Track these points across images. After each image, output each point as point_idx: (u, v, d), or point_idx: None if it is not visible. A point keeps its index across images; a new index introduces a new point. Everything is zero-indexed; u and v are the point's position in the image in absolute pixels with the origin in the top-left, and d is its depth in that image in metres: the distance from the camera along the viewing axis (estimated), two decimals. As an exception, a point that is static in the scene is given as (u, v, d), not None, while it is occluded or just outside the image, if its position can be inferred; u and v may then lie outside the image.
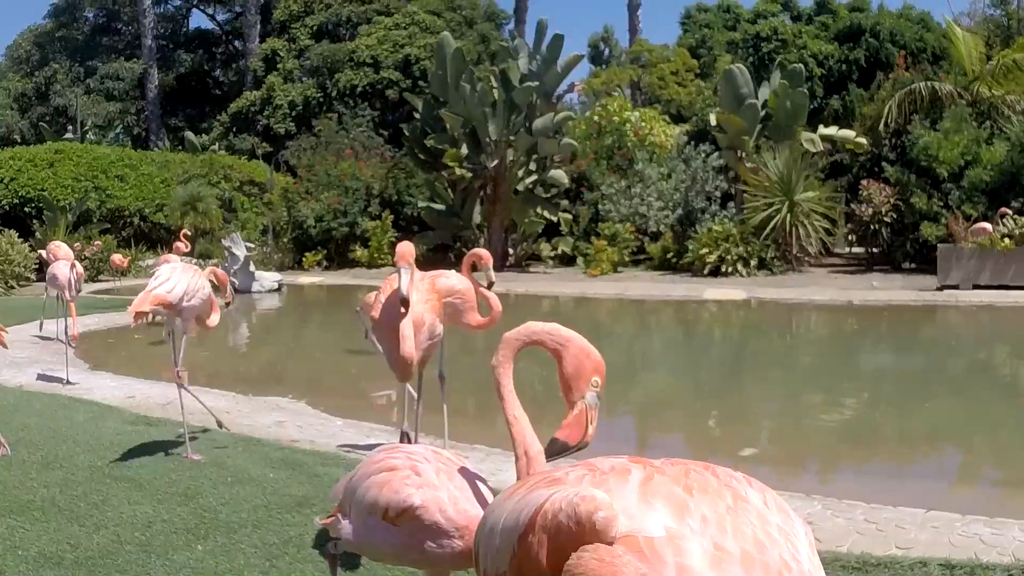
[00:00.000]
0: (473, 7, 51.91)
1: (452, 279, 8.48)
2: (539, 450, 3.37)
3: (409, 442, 8.40)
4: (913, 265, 27.86)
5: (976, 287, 23.46)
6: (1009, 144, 26.34)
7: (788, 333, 21.68)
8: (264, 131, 48.50)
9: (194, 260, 32.71)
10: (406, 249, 7.41)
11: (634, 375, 16.44)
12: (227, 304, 9.56)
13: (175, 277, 8.48)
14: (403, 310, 7.38)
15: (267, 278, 28.27)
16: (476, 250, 8.83)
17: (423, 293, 7.92)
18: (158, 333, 16.18)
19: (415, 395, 8.61)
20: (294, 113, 47.85)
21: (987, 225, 23.97)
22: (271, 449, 8.73)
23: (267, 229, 36.21)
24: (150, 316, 9.38)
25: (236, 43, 63.16)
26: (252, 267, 28.07)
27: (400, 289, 7.27)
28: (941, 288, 23.74)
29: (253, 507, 6.92)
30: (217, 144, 48.64)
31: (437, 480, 3.60)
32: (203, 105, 60.24)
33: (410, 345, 7.53)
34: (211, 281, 8.98)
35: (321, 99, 47.30)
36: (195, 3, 66.64)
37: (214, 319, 8.99)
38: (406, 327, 7.50)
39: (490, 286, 8.61)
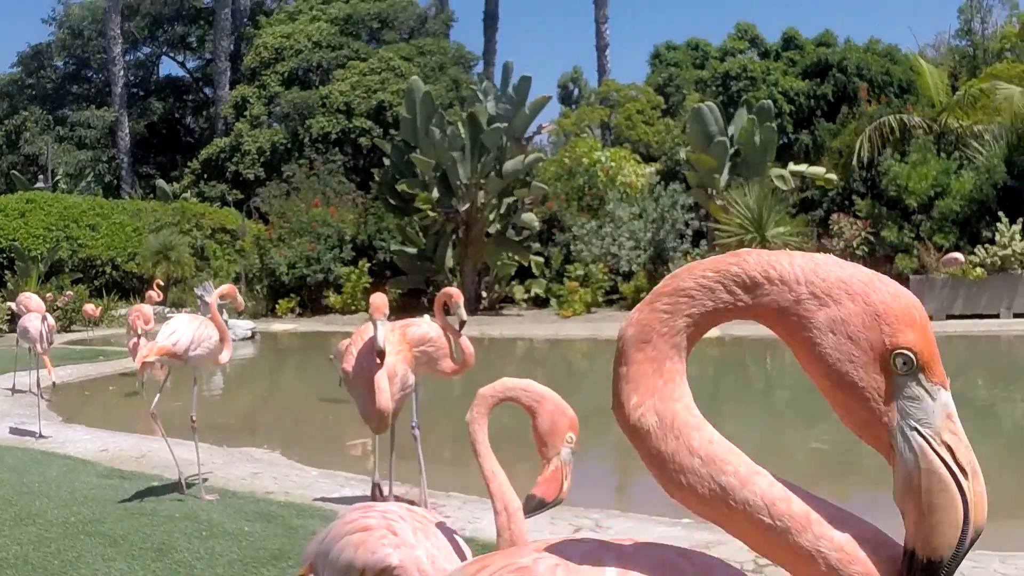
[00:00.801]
0: (443, 51, 52.05)
1: (423, 327, 8.42)
2: (518, 506, 3.36)
3: (381, 494, 8.36)
4: (887, 297, 27.91)
5: (950, 317, 23.58)
6: (977, 174, 26.47)
7: (763, 369, 21.68)
8: (234, 177, 48.45)
9: (167, 309, 32.67)
10: (380, 301, 7.43)
11: (609, 415, 16.39)
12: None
13: (180, 328, 8.84)
14: (378, 362, 7.40)
15: (240, 326, 28.09)
16: (447, 289, 8.62)
17: (395, 344, 7.87)
18: (132, 384, 16.09)
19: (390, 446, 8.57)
20: (262, 159, 47.83)
21: (959, 255, 24.09)
22: (246, 502, 8.64)
23: (239, 276, 36.08)
24: (159, 366, 9.56)
25: (206, 90, 63.17)
26: (225, 315, 27.92)
27: (376, 341, 7.29)
28: (915, 320, 23.78)
29: (228, 561, 6.85)
30: (188, 191, 48.59)
31: (414, 538, 3.55)
32: (174, 152, 60.16)
33: (386, 397, 7.51)
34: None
35: (290, 145, 47.29)
36: (165, 50, 66.66)
37: (225, 355, 9.17)
38: (381, 379, 7.49)
39: (462, 325, 8.46)
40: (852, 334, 1.67)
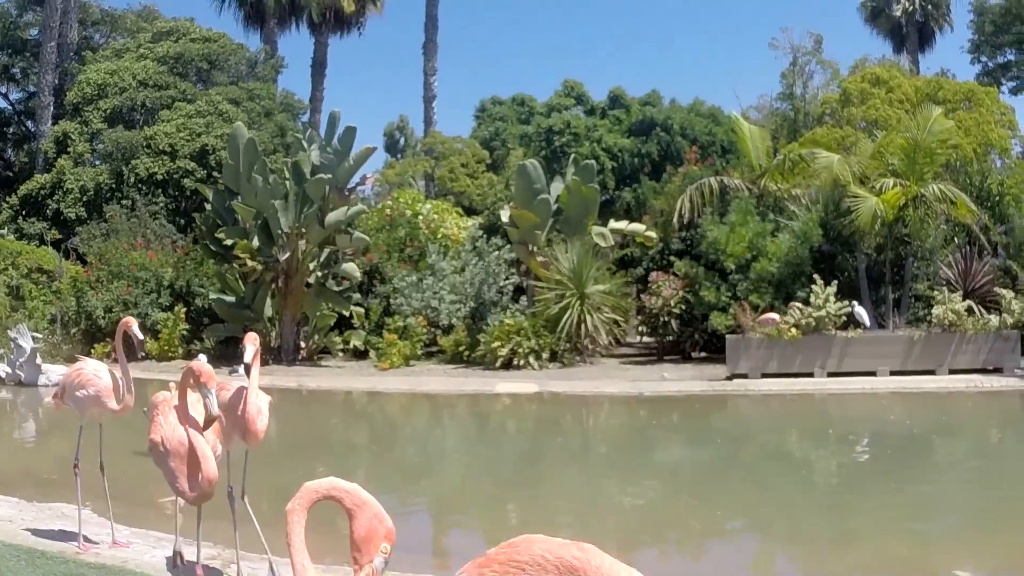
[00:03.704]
0: (271, 97, 51.58)
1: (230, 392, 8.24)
2: None
3: (181, 561, 8.13)
4: (703, 354, 28.35)
5: (765, 375, 23.93)
6: (794, 236, 27.00)
7: (582, 426, 21.75)
8: (55, 216, 47.27)
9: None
10: (208, 369, 7.25)
11: (427, 472, 16.29)
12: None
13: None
14: (203, 432, 7.27)
15: (54, 371, 27.23)
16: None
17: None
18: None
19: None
20: (85, 198, 46.71)
21: (774, 315, 24.49)
22: (55, 563, 8.28)
23: (55, 319, 35.16)
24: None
25: (28, 124, 61.66)
26: (39, 359, 27.16)
27: (211, 410, 7.09)
28: (731, 377, 24.14)
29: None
30: (6, 228, 47.28)
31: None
32: (-8, 187, 58.56)
33: (214, 464, 7.36)
34: None
35: (114, 185, 46.33)
36: (-13, 81, 65.03)
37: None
38: (205, 448, 7.33)
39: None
40: None
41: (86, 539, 9.20)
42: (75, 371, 9.26)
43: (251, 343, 8.16)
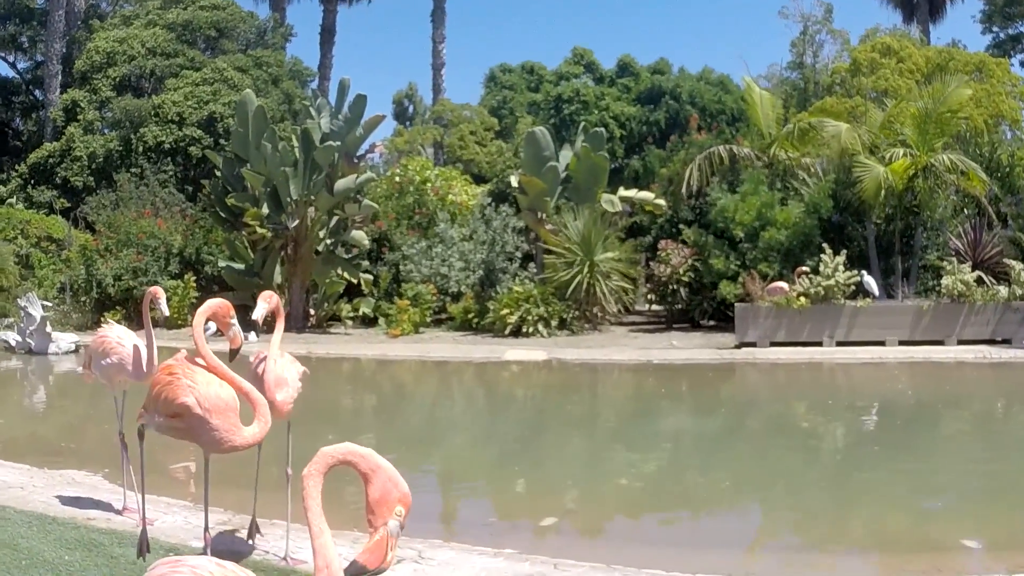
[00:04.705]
0: (279, 64, 51.45)
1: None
2: (340, 566, 3.37)
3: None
4: (712, 323, 28.37)
5: (774, 344, 23.94)
6: (803, 205, 26.97)
7: (589, 394, 21.73)
8: (63, 184, 47.23)
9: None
10: (225, 302, 7.20)
11: (436, 439, 16.33)
12: None
13: None
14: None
15: (64, 339, 27.36)
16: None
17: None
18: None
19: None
20: (94, 166, 46.65)
21: (783, 284, 24.47)
22: (66, 528, 8.34)
23: (65, 287, 35.19)
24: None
25: (37, 93, 61.57)
26: (49, 327, 27.23)
27: (238, 339, 7.06)
28: (739, 346, 24.17)
29: (48, 593, 6.62)
30: (15, 197, 47.29)
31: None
32: (1, 156, 58.47)
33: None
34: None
35: (123, 153, 46.27)
36: (-6, 50, 64.94)
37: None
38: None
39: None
40: None
41: (126, 507, 9.22)
42: (99, 338, 9.04)
43: (263, 300, 7.78)
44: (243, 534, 8.31)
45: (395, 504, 3.45)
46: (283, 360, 7.83)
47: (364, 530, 3.60)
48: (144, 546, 7.37)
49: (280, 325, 7.85)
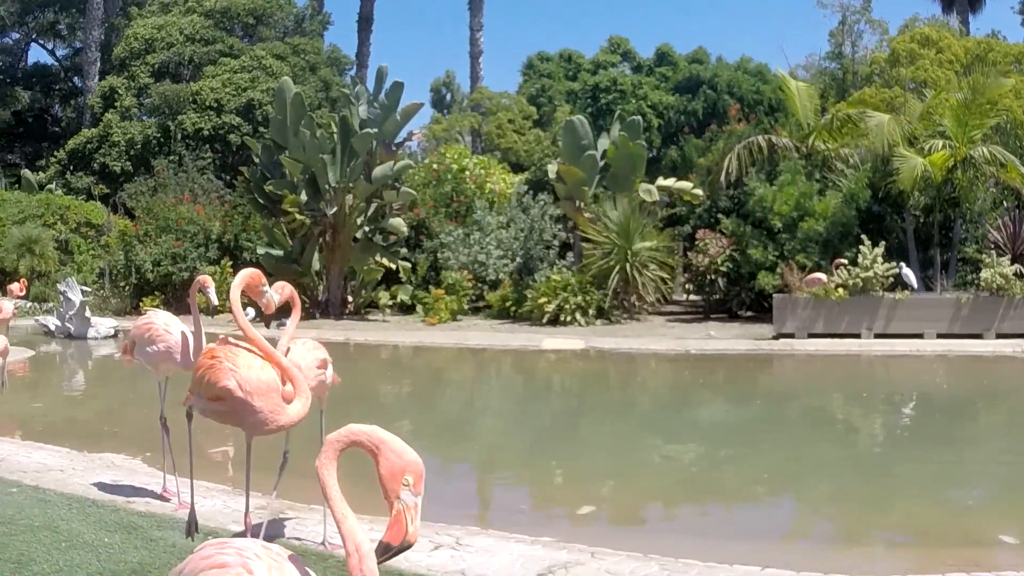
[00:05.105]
0: (317, 52, 51.60)
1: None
2: (370, 548, 3.37)
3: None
4: (750, 313, 28.29)
5: (811, 335, 23.85)
6: (841, 196, 26.86)
7: (627, 383, 21.72)
8: (101, 169, 47.47)
9: (29, 303, 32.04)
10: (256, 272, 7.24)
11: (473, 427, 16.37)
12: None
13: None
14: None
15: (103, 324, 27.52)
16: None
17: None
18: None
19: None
20: (132, 152, 46.91)
21: (821, 275, 24.36)
22: (106, 511, 8.40)
23: (104, 273, 35.36)
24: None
25: (75, 80, 61.89)
26: (88, 312, 27.40)
27: (271, 303, 7.13)
28: (777, 337, 24.08)
29: (88, 575, 6.67)
30: (54, 183, 47.60)
31: (269, 576, 3.46)
32: (40, 142, 58.78)
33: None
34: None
35: (161, 139, 46.49)
36: (34, 37, 65.24)
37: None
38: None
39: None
40: None
41: (166, 490, 9.28)
42: (145, 324, 8.93)
43: (275, 291, 7.53)
44: (282, 518, 8.38)
45: (401, 474, 3.42)
46: (301, 347, 7.76)
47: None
48: (193, 526, 7.48)
49: (296, 314, 7.66)
